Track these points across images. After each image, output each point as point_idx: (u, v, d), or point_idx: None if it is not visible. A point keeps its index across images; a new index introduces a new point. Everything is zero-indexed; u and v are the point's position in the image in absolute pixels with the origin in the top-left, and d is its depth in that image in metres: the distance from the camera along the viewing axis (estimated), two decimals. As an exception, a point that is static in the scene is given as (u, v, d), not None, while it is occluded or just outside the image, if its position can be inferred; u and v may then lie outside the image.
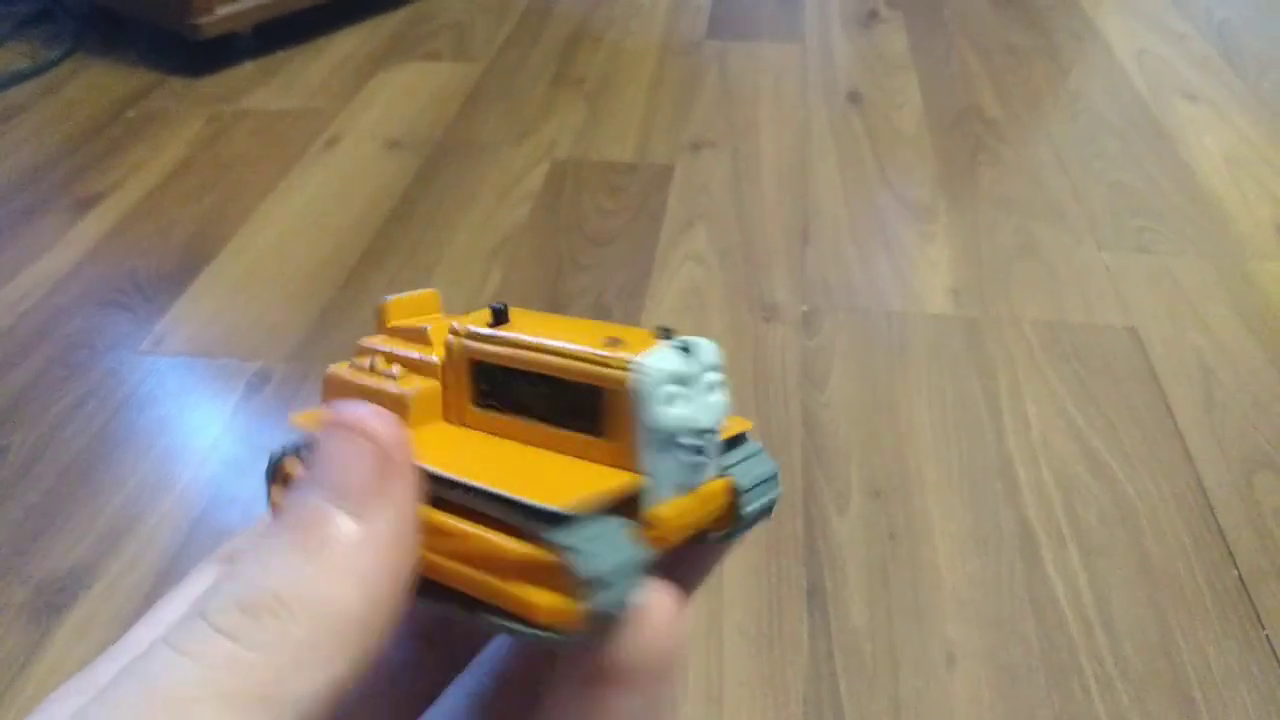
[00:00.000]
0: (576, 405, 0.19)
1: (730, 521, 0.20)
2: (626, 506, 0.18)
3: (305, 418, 0.21)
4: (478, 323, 0.21)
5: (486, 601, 0.17)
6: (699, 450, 0.19)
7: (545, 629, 0.17)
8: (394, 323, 0.23)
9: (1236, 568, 0.72)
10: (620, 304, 0.97)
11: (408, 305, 0.23)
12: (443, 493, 0.18)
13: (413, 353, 0.21)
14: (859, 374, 0.89)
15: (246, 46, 1.47)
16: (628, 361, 0.18)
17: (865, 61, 1.45)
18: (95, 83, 1.42)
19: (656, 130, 1.28)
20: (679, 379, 0.18)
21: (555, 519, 0.17)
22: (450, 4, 1.66)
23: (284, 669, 0.15)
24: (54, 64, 1.47)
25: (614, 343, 0.18)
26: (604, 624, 0.17)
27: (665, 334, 0.19)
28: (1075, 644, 0.67)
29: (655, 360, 0.18)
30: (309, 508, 0.16)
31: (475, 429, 0.20)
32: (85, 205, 1.15)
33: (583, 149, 1.24)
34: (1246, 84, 1.37)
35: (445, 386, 0.21)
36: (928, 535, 0.74)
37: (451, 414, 0.21)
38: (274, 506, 0.21)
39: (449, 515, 0.18)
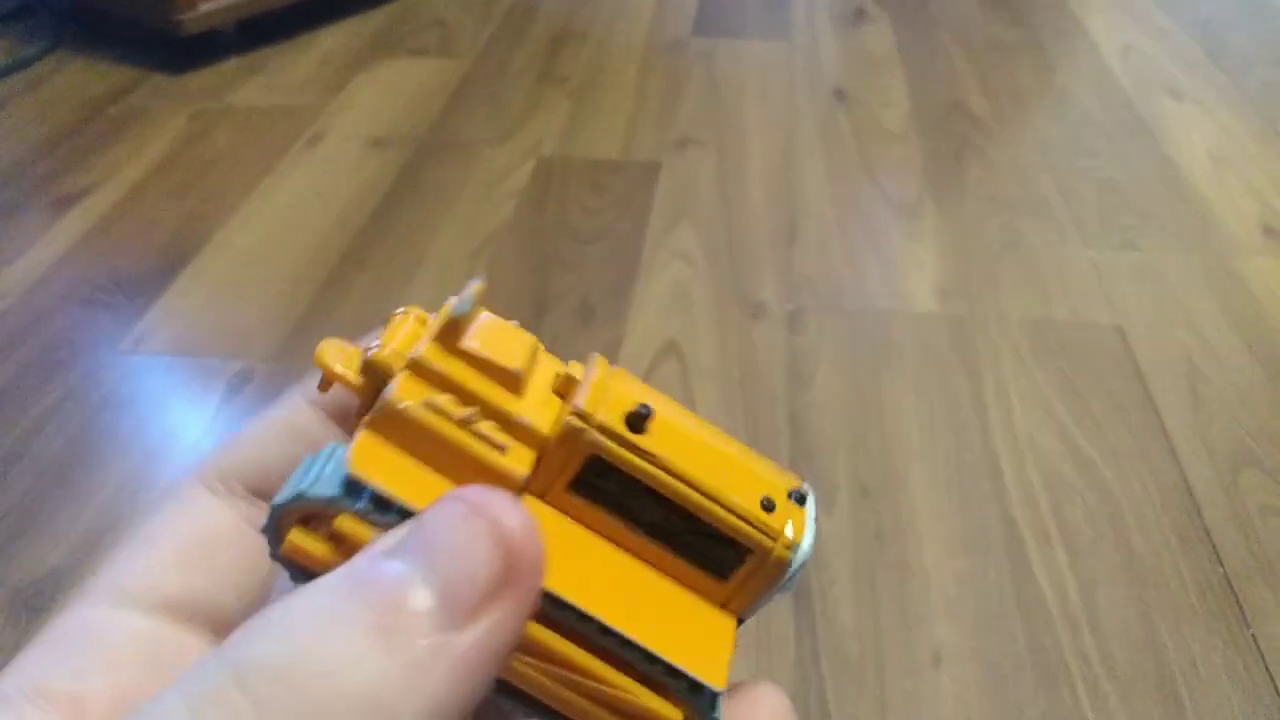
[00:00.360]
0: (710, 547, 0.18)
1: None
2: None
3: (376, 472, 0.16)
4: (609, 409, 0.17)
5: None
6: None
7: None
8: (468, 344, 0.17)
9: (1222, 566, 0.72)
10: (606, 303, 0.97)
11: (503, 335, 0.18)
12: (549, 609, 0.16)
13: (508, 410, 0.17)
14: (845, 373, 0.88)
15: (229, 43, 1.45)
16: (788, 542, 0.18)
17: (852, 59, 1.45)
18: (76, 79, 1.41)
19: (642, 128, 1.27)
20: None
21: (699, 687, 0.17)
22: (435, 0, 1.65)
23: None
24: (34, 60, 1.45)
25: (769, 505, 0.18)
26: None
27: (801, 499, 0.19)
28: (1062, 643, 0.67)
29: (807, 544, 0.18)
30: (396, 582, 0.13)
31: (558, 509, 0.17)
32: (65, 203, 1.14)
33: (568, 147, 1.23)
34: (1232, 81, 1.37)
35: (540, 459, 0.17)
36: (915, 534, 0.74)
37: (534, 484, 0.17)
38: (298, 555, 0.16)
39: (562, 639, 0.16)
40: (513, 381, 0.17)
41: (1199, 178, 1.16)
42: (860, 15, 1.59)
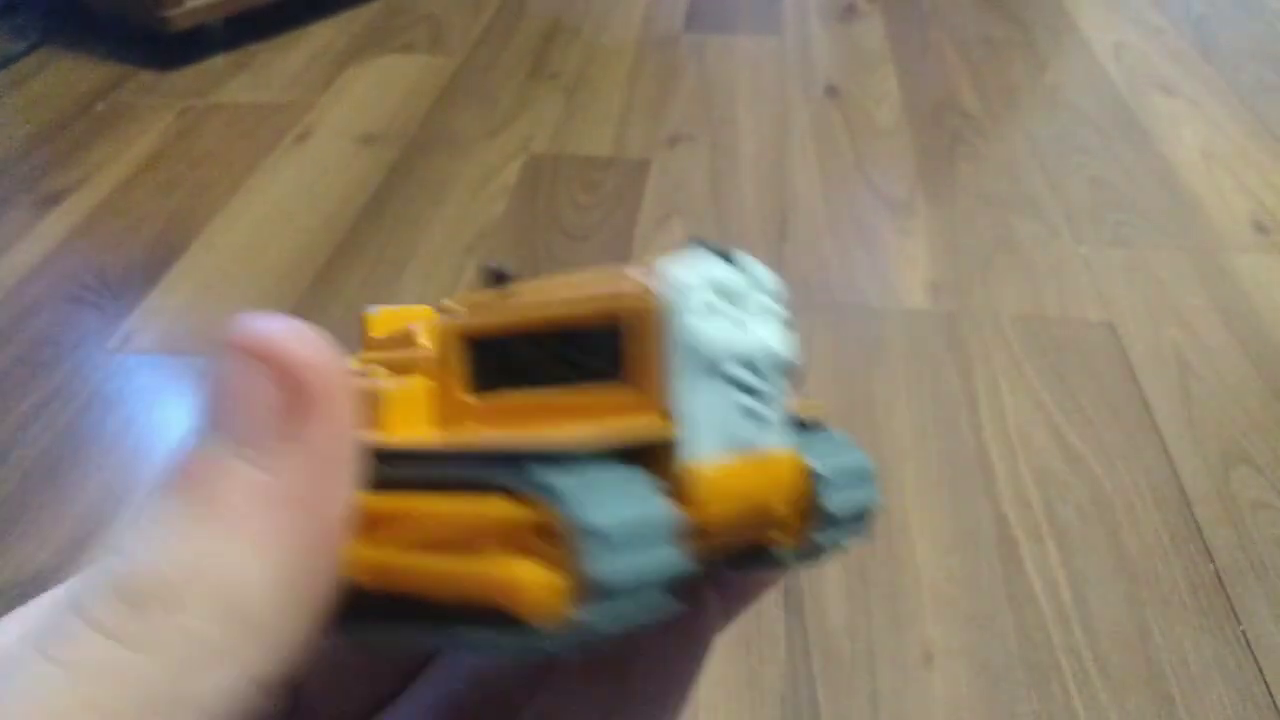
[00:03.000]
0: (593, 354, 0.14)
1: (809, 527, 0.15)
2: (662, 474, 0.13)
3: None
4: (468, 295, 0.17)
5: (451, 606, 0.13)
6: (755, 390, 0.14)
7: (532, 626, 0.12)
8: (379, 333, 0.18)
9: (1213, 562, 0.71)
10: (596, 300, 0.96)
11: (396, 316, 0.19)
12: (401, 473, 0.14)
13: (398, 355, 0.17)
14: (837, 370, 0.88)
15: (217, 39, 1.44)
16: (642, 287, 0.13)
17: (843, 55, 1.45)
18: (62, 76, 1.40)
19: (633, 124, 1.27)
20: (720, 288, 0.14)
21: (544, 457, 0.12)
22: (425, -4, 1.64)
23: (180, 670, 0.12)
24: (20, 57, 1.44)
25: (636, 269, 0.14)
26: (612, 614, 0.12)
27: (703, 243, 0.15)
28: (1053, 641, 0.66)
29: (687, 264, 0.14)
30: (199, 459, 0.13)
31: (481, 419, 0.16)
32: (52, 201, 1.13)
33: (559, 143, 1.23)
34: (1224, 78, 1.37)
35: (441, 382, 0.16)
36: (906, 532, 0.74)
37: (451, 415, 0.16)
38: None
39: (399, 496, 0.14)
40: (408, 338, 0.17)
41: (1190, 174, 1.16)
42: (852, 11, 1.58)
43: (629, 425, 0.13)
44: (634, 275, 0.14)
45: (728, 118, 1.28)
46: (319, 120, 1.28)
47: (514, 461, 0.12)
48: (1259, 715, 0.62)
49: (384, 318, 0.19)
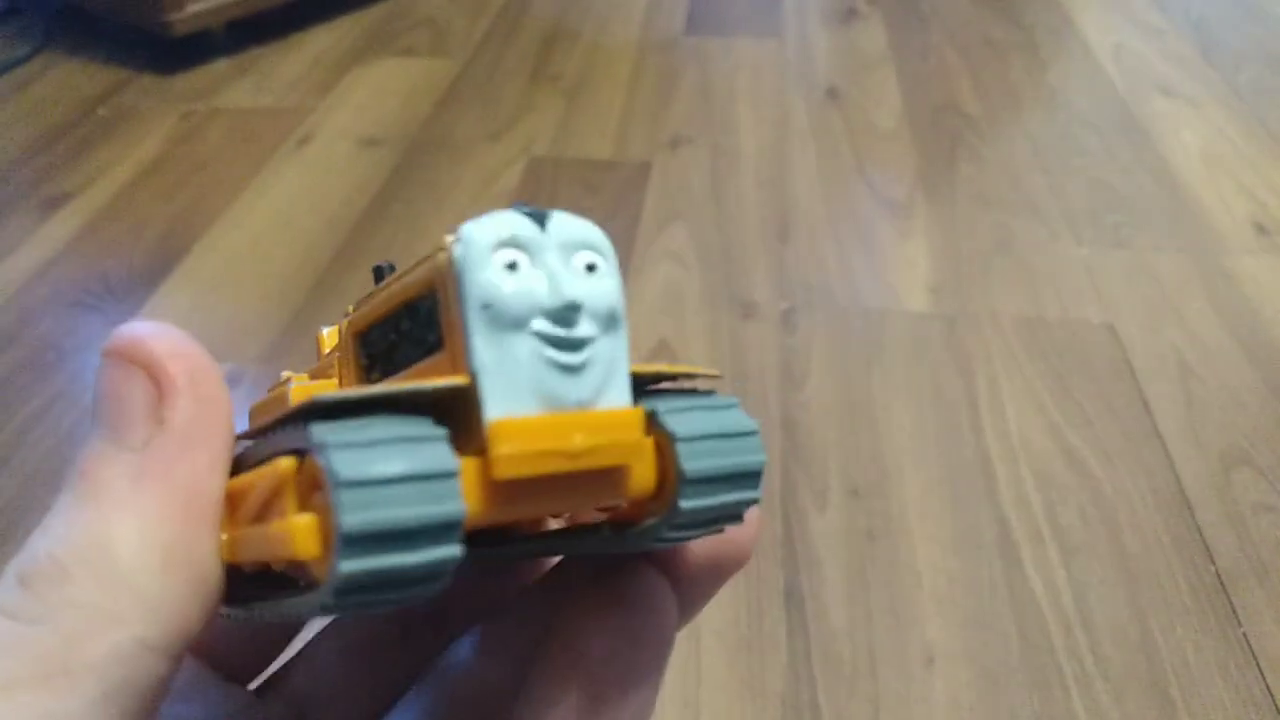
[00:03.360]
0: (424, 328, 0.15)
1: (669, 489, 0.15)
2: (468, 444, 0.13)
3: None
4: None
5: (283, 574, 0.14)
6: (565, 342, 0.14)
7: (310, 577, 0.12)
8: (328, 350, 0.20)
9: (1214, 565, 0.71)
10: (598, 303, 0.96)
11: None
12: (255, 453, 0.15)
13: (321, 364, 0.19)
14: (838, 372, 0.88)
15: (219, 43, 1.45)
16: (444, 244, 0.14)
17: (844, 58, 1.45)
18: (65, 80, 1.40)
19: (634, 127, 1.27)
20: (518, 243, 0.14)
21: (325, 418, 0.13)
22: (426, 0, 1.64)
23: (70, 638, 0.13)
24: (22, 61, 1.44)
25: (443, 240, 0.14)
26: (383, 563, 0.12)
27: (517, 205, 0.15)
28: (1054, 643, 0.67)
29: (485, 224, 0.14)
30: (88, 455, 0.14)
31: None
32: (54, 205, 1.13)
33: (560, 146, 1.23)
34: (1224, 80, 1.37)
35: (341, 378, 0.17)
36: (907, 535, 0.74)
37: None
38: None
39: (242, 475, 0.15)
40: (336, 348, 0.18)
41: (1191, 176, 1.16)
42: (852, 14, 1.59)
43: (417, 380, 0.13)
44: (443, 241, 0.14)
45: (728, 120, 1.28)
46: (321, 124, 1.28)
47: (304, 421, 0.13)
48: (1260, 718, 0.62)
49: (333, 336, 0.19)
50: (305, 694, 0.20)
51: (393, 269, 0.17)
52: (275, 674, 0.21)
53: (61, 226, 1.09)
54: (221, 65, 1.43)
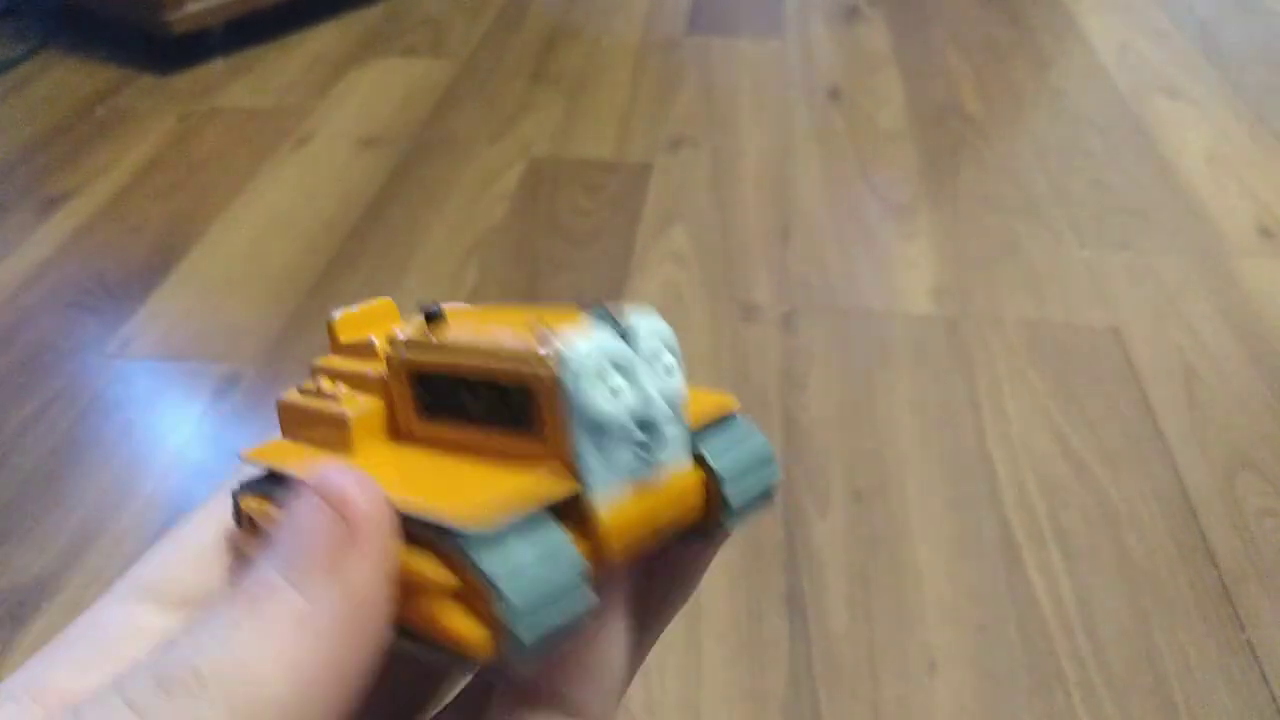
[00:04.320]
0: (514, 405, 0.17)
1: (716, 515, 0.18)
2: (572, 513, 0.16)
3: (257, 453, 0.20)
4: (416, 328, 0.19)
5: (424, 633, 0.16)
6: (644, 444, 0.17)
7: (479, 658, 0.15)
8: (345, 338, 0.21)
9: (1218, 569, 0.71)
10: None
11: (359, 319, 0.22)
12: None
13: (358, 369, 0.20)
14: (840, 375, 0.88)
15: (218, 43, 1.44)
16: (543, 358, 0.16)
17: (846, 58, 1.44)
18: (63, 80, 1.40)
19: (635, 128, 1.26)
20: (615, 362, 0.16)
21: (478, 539, 0.15)
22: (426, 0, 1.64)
23: None
24: (21, 61, 1.44)
25: (544, 333, 0.16)
26: (535, 652, 0.15)
27: (602, 312, 0.17)
28: (1057, 648, 0.66)
29: (580, 345, 0.16)
30: (257, 578, 0.15)
31: (424, 443, 0.19)
32: (52, 205, 1.12)
33: (560, 147, 1.22)
34: (1228, 81, 1.36)
35: (390, 402, 0.19)
36: (909, 538, 0.73)
37: (400, 430, 0.19)
38: (236, 559, 0.19)
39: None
40: (369, 350, 0.20)
41: (1195, 178, 1.16)
42: (854, 14, 1.58)
43: (541, 490, 0.16)
44: (540, 343, 0.16)
45: (730, 121, 1.28)
46: (319, 124, 1.27)
47: (451, 534, 0.15)
48: (1265, 724, 0.62)
49: (348, 321, 0.21)
50: None
51: (435, 314, 0.19)
52: None
53: (59, 226, 1.09)
54: (220, 65, 1.43)
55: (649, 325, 0.17)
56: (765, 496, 0.19)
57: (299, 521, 0.15)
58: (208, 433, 0.83)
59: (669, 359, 0.17)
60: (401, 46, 1.48)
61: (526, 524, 0.16)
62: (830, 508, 0.75)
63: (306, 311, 0.96)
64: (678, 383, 0.17)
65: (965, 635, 0.67)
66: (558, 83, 1.38)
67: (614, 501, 0.16)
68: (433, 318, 0.19)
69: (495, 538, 0.15)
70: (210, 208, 1.11)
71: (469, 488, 0.17)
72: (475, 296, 0.96)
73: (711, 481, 0.18)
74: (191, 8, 1.36)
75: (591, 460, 0.16)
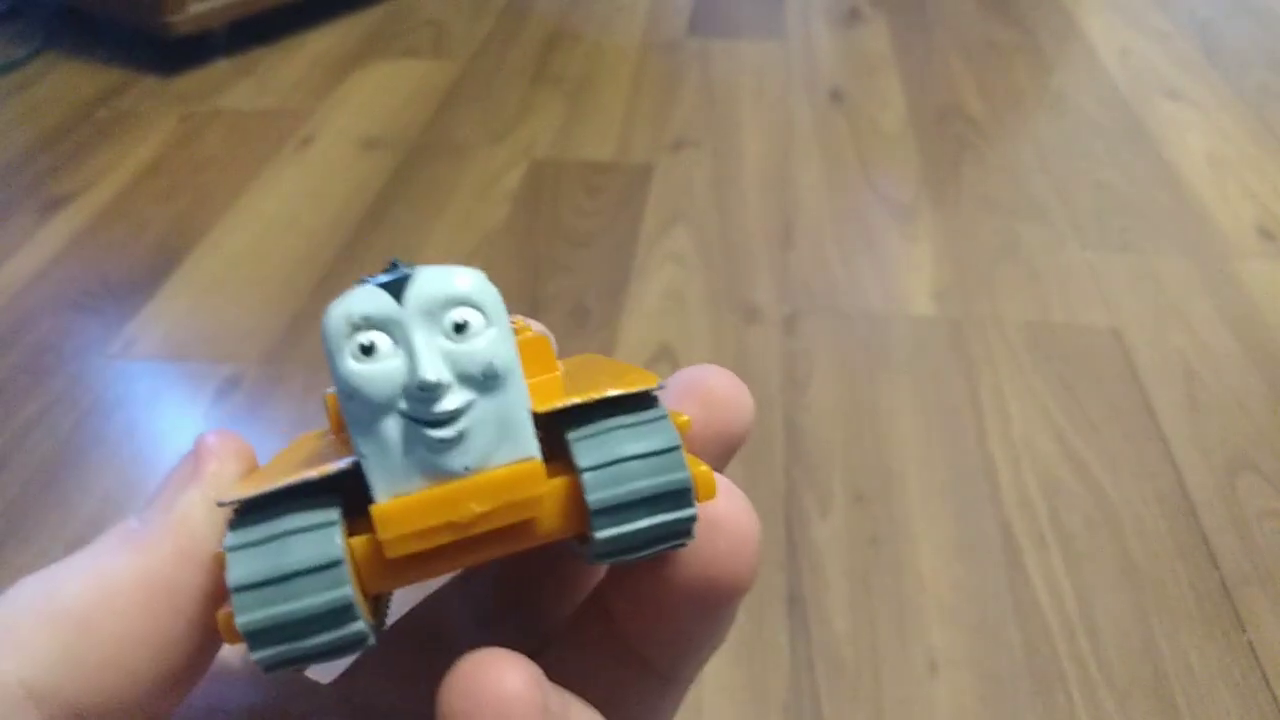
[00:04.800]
0: None
1: (582, 519, 0.15)
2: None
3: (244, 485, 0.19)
4: None
5: None
6: (433, 420, 0.14)
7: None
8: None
9: (1219, 571, 0.71)
10: (600, 306, 0.96)
11: None
12: None
13: None
14: (841, 377, 0.88)
15: (220, 44, 1.45)
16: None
17: (848, 60, 1.45)
18: (65, 82, 1.40)
19: (637, 130, 1.26)
20: (373, 323, 0.14)
21: (240, 517, 0.14)
22: (428, 1, 1.64)
23: None
24: (22, 62, 1.44)
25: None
26: (290, 643, 0.14)
27: (390, 269, 0.14)
28: (1058, 649, 0.66)
29: (335, 303, 0.14)
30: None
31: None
32: (54, 206, 1.13)
33: (562, 149, 1.22)
34: (1229, 83, 1.36)
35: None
36: (910, 540, 0.73)
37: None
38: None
39: None
40: None
41: (1196, 180, 1.16)
42: (855, 15, 1.58)
43: (299, 473, 0.14)
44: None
45: (731, 123, 1.28)
46: (321, 126, 1.27)
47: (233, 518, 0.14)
48: (1266, 726, 0.62)
49: None
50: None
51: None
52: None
53: (61, 228, 1.09)
54: (222, 66, 1.43)
55: (432, 278, 0.14)
56: (665, 500, 0.15)
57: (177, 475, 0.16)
58: (210, 434, 0.83)
59: (463, 313, 0.14)
60: (403, 48, 1.48)
61: (302, 509, 0.14)
62: (831, 509, 0.76)
63: (309, 312, 0.96)
64: (476, 346, 0.14)
65: (966, 636, 0.67)
66: (559, 84, 1.38)
67: (399, 489, 0.14)
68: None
69: (249, 518, 0.14)
70: (212, 209, 1.11)
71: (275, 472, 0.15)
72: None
73: (564, 477, 0.15)
74: (193, 9, 1.36)
75: (362, 441, 0.14)
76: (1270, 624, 0.67)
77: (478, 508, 0.14)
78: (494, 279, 0.15)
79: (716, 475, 0.16)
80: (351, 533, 0.14)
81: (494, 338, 0.14)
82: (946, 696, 0.64)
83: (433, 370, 0.14)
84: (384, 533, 0.14)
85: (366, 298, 0.14)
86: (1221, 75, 1.39)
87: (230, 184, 1.16)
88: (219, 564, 0.14)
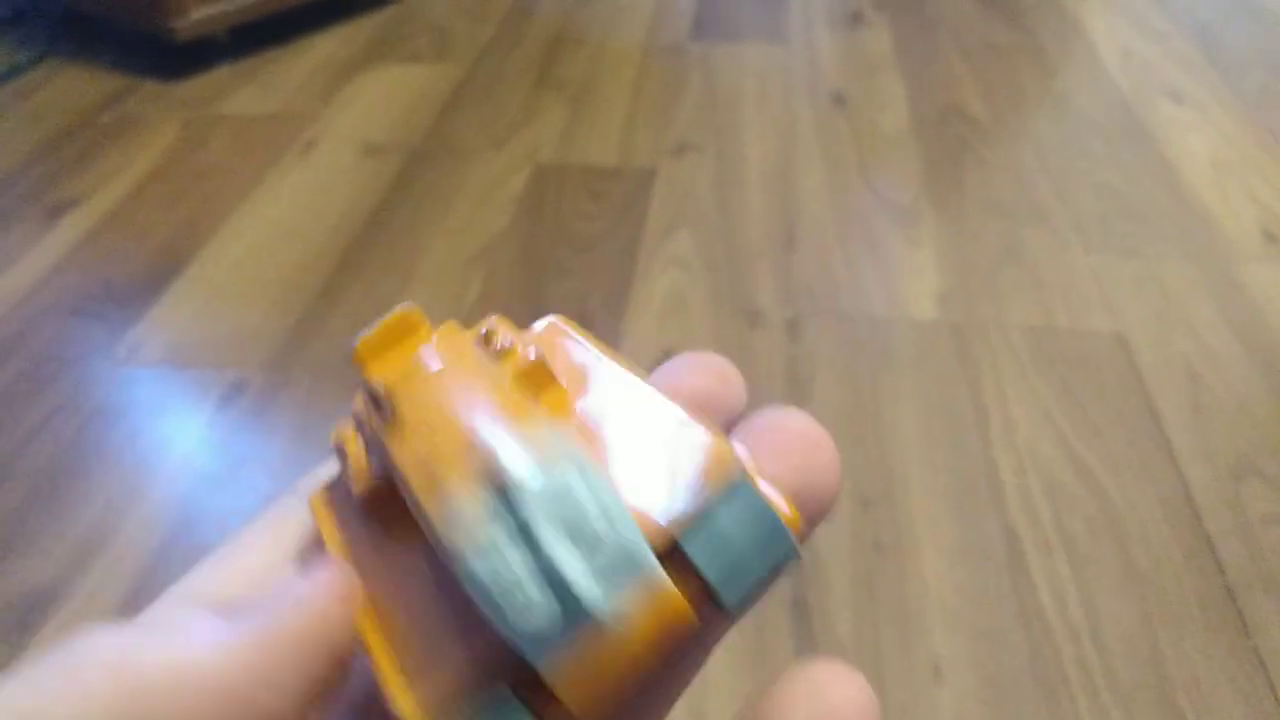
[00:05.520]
0: None
1: (716, 611, 0.15)
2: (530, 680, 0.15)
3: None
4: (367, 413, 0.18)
5: None
6: (564, 598, 0.14)
7: None
8: (370, 368, 0.19)
9: (1224, 576, 0.71)
10: (603, 311, 0.96)
11: (381, 340, 0.20)
12: None
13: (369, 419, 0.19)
14: (844, 381, 0.88)
15: (223, 49, 1.45)
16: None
17: (850, 63, 1.45)
18: (68, 87, 1.40)
19: (639, 134, 1.26)
20: (501, 523, 0.15)
21: None
22: (431, 6, 1.64)
23: None
24: (26, 68, 1.44)
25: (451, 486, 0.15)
26: None
27: (492, 478, 0.15)
28: (1062, 654, 0.66)
29: (450, 524, 0.15)
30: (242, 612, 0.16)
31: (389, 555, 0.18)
32: (58, 212, 1.13)
33: (565, 153, 1.22)
34: (1230, 85, 1.36)
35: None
36: (914, 545, 0.73)
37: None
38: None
39: None
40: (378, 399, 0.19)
41: (1199, 183, 1.15)
42: (858, 19, 1.58)
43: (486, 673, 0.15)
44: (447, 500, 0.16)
45: (734, 126, 1.28)
46: (324, 131, 1.28)
47: None
48: (1271, 731, 0.62)
49: (370, 347, 0.20)
50: None
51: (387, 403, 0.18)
52: None
53: (65, 234, 1.09)
54: (225, 72, 1.43)
55: (542, 479, 0.15)
56: (777, 575, 0.16)
57: (281, 596, 0.16)
58: (214, 439, 0.83)
59: (575, 507, 0.15)
60: (406, 53, 1.48)
61: (495, 703, 0.15)
62: (835, 514, 0.75)
63: (312, 317, 0.96)
64: (597, 521, 0.15)
65: (970, 641, 0.67)
66: (562, 89, 1.38)
67: (559, 668, 0.14)
68: (380, 403, 0.18)
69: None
70: (215, 214, 1.12)
71: (420, 662, 0.16)
72: (480, 302, 0.96)
73: (693, 592, 0.15)
74: (196, 15, 1.37)
75: (515, 626, 0.14)
76: (1275, 629, 0.67)
77: (644, 648, 0.15)
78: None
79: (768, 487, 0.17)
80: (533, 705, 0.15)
81: (609, 493, 0.15)
82: (950, 701, 0.63)
83: (606, 545, 0.15)
84: (570, 701, 0.15)
85: (486, 512, 0.15)
86: (1222, 77, 1.39)
87: (233, 189, 1.16)
88: None
